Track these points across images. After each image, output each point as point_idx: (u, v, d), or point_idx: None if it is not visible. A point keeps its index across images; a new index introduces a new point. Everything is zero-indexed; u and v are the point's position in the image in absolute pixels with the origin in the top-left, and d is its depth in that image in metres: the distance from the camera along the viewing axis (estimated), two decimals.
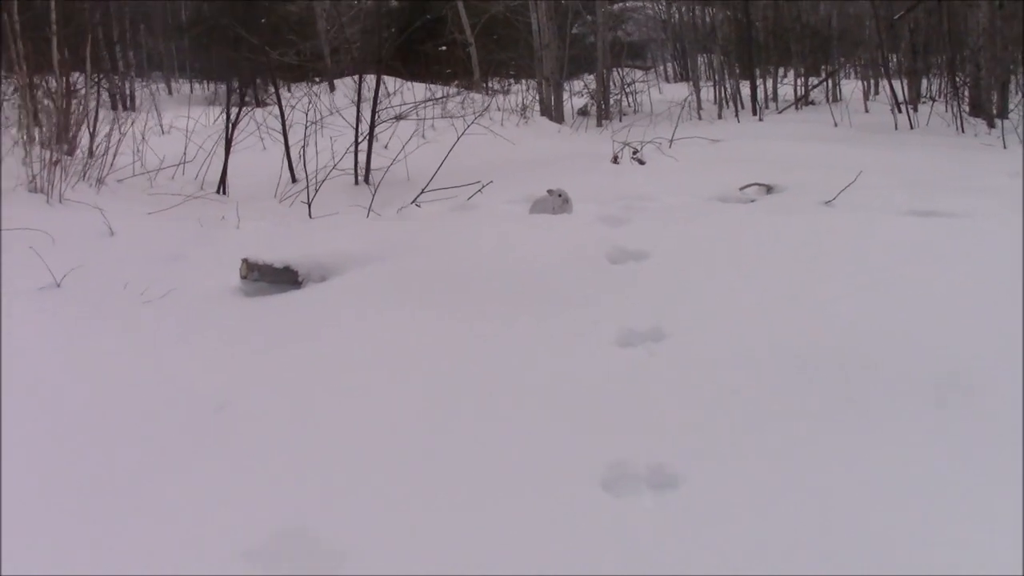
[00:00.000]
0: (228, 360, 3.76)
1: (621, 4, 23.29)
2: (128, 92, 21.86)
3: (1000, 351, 3.23)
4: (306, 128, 8.76)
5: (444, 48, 18.86)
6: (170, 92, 25.40)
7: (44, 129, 7.65)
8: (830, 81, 16.61)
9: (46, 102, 8.16)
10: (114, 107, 18.55)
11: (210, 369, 3.69)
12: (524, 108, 13.61)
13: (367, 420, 3.11)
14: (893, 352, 3.28)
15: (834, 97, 16.12)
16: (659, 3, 23.22)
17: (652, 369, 3.43)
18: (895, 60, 15.85)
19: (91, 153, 8.10)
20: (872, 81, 16.49)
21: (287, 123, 9.16)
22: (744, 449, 2.79)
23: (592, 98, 16.03)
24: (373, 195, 6.99)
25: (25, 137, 7.29)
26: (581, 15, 17.75)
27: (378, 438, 2.97)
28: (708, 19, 17.95)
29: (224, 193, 8.30)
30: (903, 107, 12.76)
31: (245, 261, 4.77)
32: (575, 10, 17.15)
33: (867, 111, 14.06)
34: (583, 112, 15.74)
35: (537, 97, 15.09)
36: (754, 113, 14.88)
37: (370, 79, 9.73)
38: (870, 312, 3.68)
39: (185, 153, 8.92)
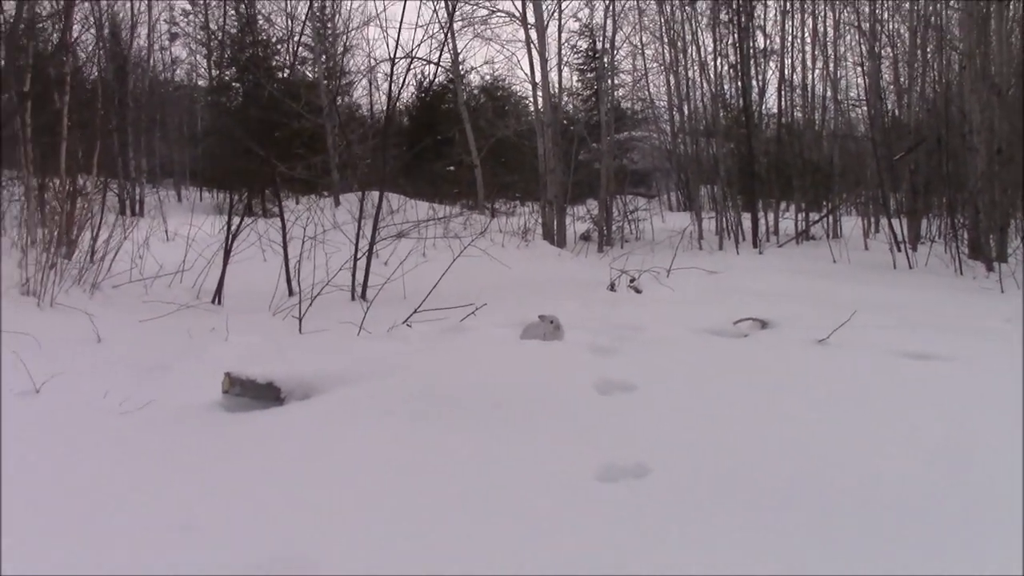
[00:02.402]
0: (197, 477, 3.65)
1: (627, 133, 23.79)
2: (137, 197, 22.20)
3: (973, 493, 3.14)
4: (303, 242, 8.80)
5: (452, 168, 19.20)
6: (180, 199, 25.78)
7: (45, 232, 7.69)
8: (831, 217, 16.80)
9: (53, 204, 8.24)
10: (122, 212, 18.82)
11: (180, 484, 3.58)
12: (526, 231, 13.73)
13: (333, 539, 3.00)
14: (879, 494, 3.19)
15: (834, 233, 16.29)
16: (664, 134, 23.69)
17: (632, 507, 3.32)
18: (896, 199, 16.06)
19: (91, 258, 8.14)
20: (873, 219, 16.68)
21: (288, 235, 9.21)
22: None
23: (594, 223, 16.19)
24: (365, 313, 6.97)
25: (26, 239, 7.33)
26: (587, 142, 18.08)
27: (344, 556, 2.86)
28: (712, 151, 18.26)
29: (219, 303, 8.29)
30: (902, 246, 12.86)
31: (228, 375, 4.71)
32: (581, 136, 17.48)
33: (867, 248, 14.16)
34: (585, 237, 15.87)
35: (540, 220, 15.24)
36: (755, 246, 15.00)
37: (373, 196, 9.84)
38: (854, 452, 3.60)
39: (184, 261, 8.95)
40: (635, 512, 3.26)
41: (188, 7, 28.43)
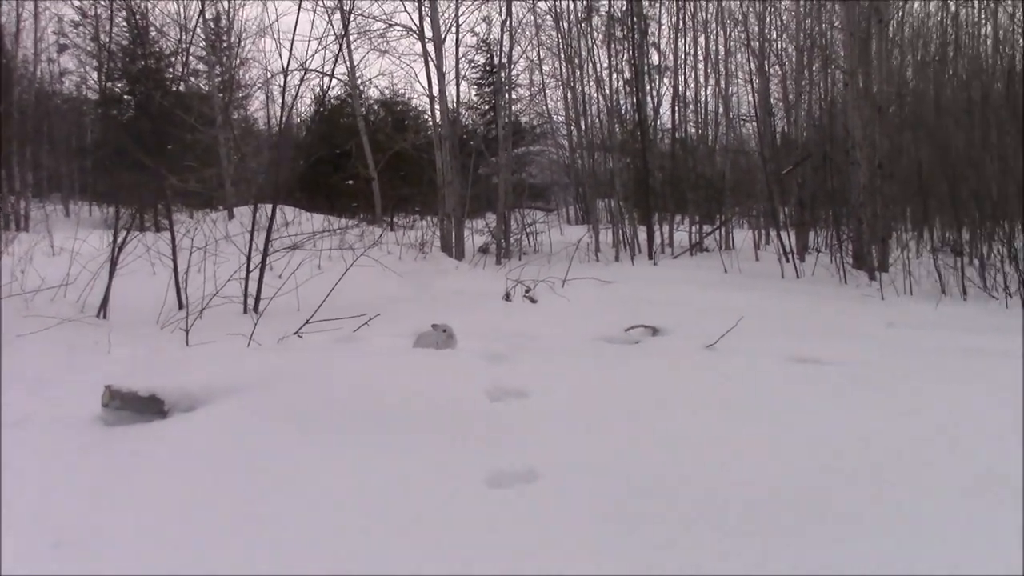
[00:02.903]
0: (70, 493, 3.52)
1: (525, 148, 23.97)
2: (22, 212, 21.43)
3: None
4: (190, 253, 8.61)
5: (350, 181, 19.04)
6: (68, 214, 24.96)
7: None
8: (723, 230, 17.19)
9: None
10: (6, 226, 18.13)
11: (55, 499, 3.45)
12: (423, 243, 13.69)
13: (211, 552, 2.93)
14: (766, 495, 3.25)
15: (727, 245, 16.68)
16: (562, 149, 23.92)
17: (520, 511, 3.31)
18: (784, 212, 16.53)
19: None
20: (763, 231, 17.14)
21: (179, 248, 9.00)
22: None
23: (492, 236, 16.25)
24: (255, 324, 6.85)
25: None
26: (485, 155, 18.14)
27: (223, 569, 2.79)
28: (608, 165, 18.53)
29: (105, 317, 8.04)
30: (790, 257, 13.23)
31: (108, 388, 4.57)
32: (479, 150, 17.54)
33: (757, 259, 14.54)
34: (483, 250, 15.91)
35: (438, 232, 15.22)
36: (650, 257, 15.24)
37: (267, 208, 9.69)
38: (740, 453, 3.67)
39: (68, 275, 8.66)
40: (523, 516, 3.25)
41: (77, 18, 27.61)
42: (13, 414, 4.49)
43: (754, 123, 17.76)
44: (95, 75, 27.93)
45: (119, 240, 8.64)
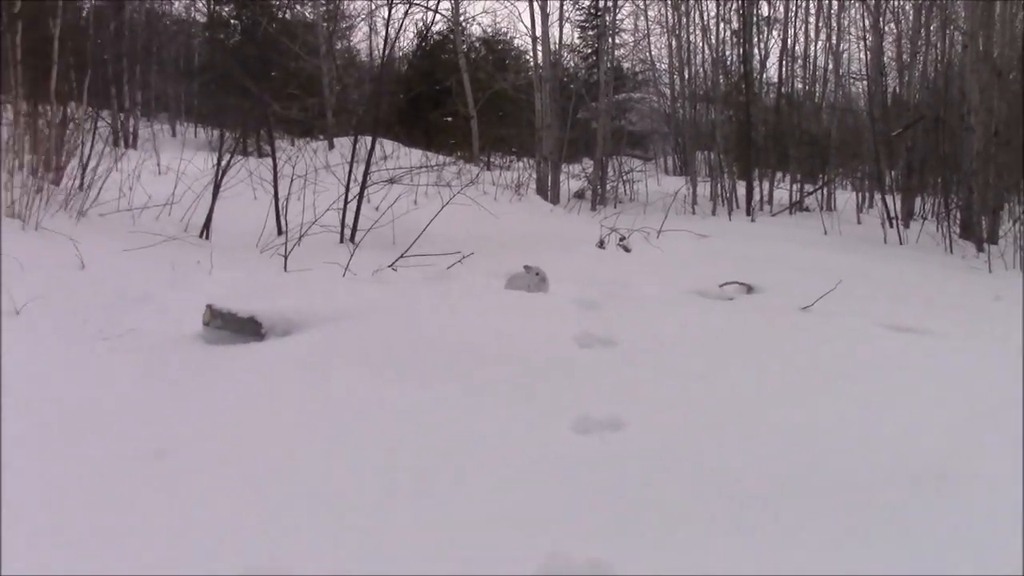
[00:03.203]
0: (173, 406, 3.65)
1: (626, 94, 23.63)
2: (131, 130, 21.99)
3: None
4: (291, 181, 8.73)
5: (449, 119, 19.05)
6: (174, 134, 25.53)
7: (33, 156, 7.61)
8: (825, 190, 16.76)
9: (43, 129, 8.14)
10: (116, 144, 18.64)
11: (153, 413, 3.57)
12: (519, 185, 13.65)
13: (307, 474, 3.02)
14: (839, 456, 3.20)
15: (828, 206, 16.25)
16: (664, 97, 23.53)
17: (606, 458, 3.32)
18: (891, 176, 16.02)
19: (81, 185, 8.06)
20: (867, 194, 16.66)
21: (279, 175, 9.13)
22: (681, 547, 2.68)
23: (589, 182, 16.12)
24: (351, 254, 6.94)
25: (13, 162, 7.23)
26: (585, 100, 17.95)
27: (310, 492, 2.88)
28: (711, 117, 18.15)
29: (207, 238, 8.23)
30: (894, 222, 12.84)
31: (209, 307, 4.69)
32: (579, 94, 17.35)
33: (859, 222, 14.14)
34: (579, 195, 15.80)
35: (534, 175, 15.16)
36: (747, 213, 14.96)
37: (367, 140, 9.76)
38: (825, 418, 3.61)
39: (173, 194, 8.87)
40: (607, 464, 3.26)
41: None
42: (117, 327, 4.64)
43: (865, 82, 17.20)
44: None
45: (223, 163, 8.80)
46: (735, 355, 4.43)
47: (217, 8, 25.43)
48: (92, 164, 8.41)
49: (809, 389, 3.98)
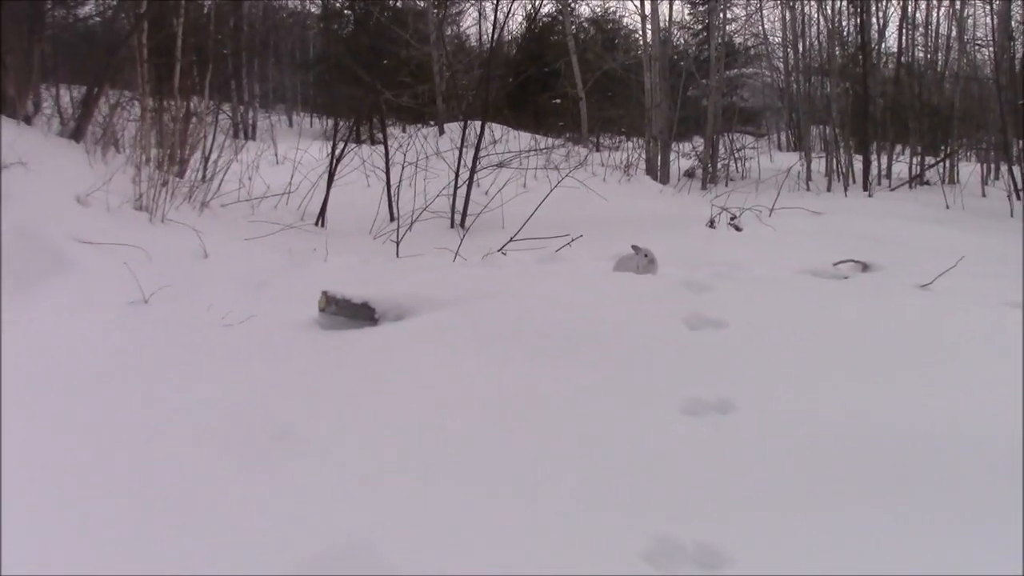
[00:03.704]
0: (294, 388, 3.78)
1: (738, 70, 23.18)
2: (250, 121, 22.67)
3: None
4: (402, 168, 8.89)
5: (558, 100, 19.04)
6: (291, 124, 26.20)
7: (160, 151, 7.94)
8: (947, 162, 16.15)
9: (168, 124, 8.48)
10: (235, 135, 19.26)
11: (276, 396, 3.72)
12: (628, 166, 13.58)
13: (422, 456, 3.10)
14: (958, 447, 3.11)
15: (950, 179, 15.67)
16: (777, 72, 23.02)
17: (715, 441, 3.31)
18: (1019, 146, 15.34)
19: (203, 177, 8.38)
20: (993, 165, 15.99)
21: (391, 162, 9.32)
22: (789, 533, 2.66)
23: (699, 160, 15.93)
24: (461, 239, 7.05)
25: (141, 157, 7.56)
26: (695, 77, 17.70)
27: (421, 471, 2.97)
28: (826, 90, 17.67)
29: (322, 225, 8.47)
30: (1022, 194, 12.31)
31: (324, 294, 4.84)
32: (689, 72, 17.12)
33: (984, 195, 13.61)
34: (689, 174, 15.63)
35: (643, 155, 15.05)
36: (864, 188, 14.54)
37: (476, 125, 9.86)
38: (939, 404, 3.51)
39: (290, 183, 9.14)
40: (717, 447, 3.25)
41: None
42: (239, 313, 4.83)
43: (991, 47, 16.47)
44: None
45: (337, 152, 9.02)
46: (848, 337, 4.33)
47: (331, 0, 25.95)
48: (214, 157, 8.73)
49: (925, 371, 3.87)
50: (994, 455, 3.06)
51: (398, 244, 7.09)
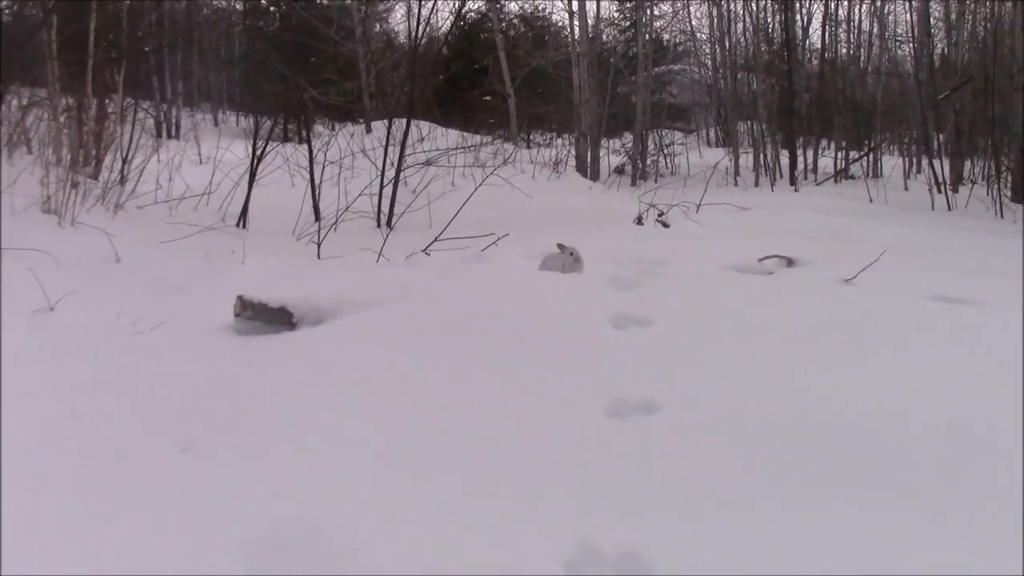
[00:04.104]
0: (200, 400, 3.63)
1: (666, 66, 23.32)
2: (174, 119, 22.20)
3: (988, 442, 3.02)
4: (323, 167, 8.71)
5: (487, 98, 18.96)
6: (216, 123, 25.73)
7: (68, 151, 7.66)
8: (871, 156, 16.42)
9: (81, 124, 8.20)
10: (158, 134, 18.83)
11: (183, 406, 3.56)
12: (557, 163, 13.54)
13: (336, 465, 2.98)
14: (887, 436, 3.09)
15: (874, 173, 15.92)
16: (704, 68, 23.21)
17: (638, 443, 3.24)
18: (939, 140, 15.64)
19: (121, 179, 8.12)
20: (914, 159, 16.29)
21: (316, 162, 9.13)
22: (711, 534, 2.60)
23: (629, 157, 15.96)
24: (385, 239, 6.91)
25: (51, 157, 7.28)
26: (624, 74, 17.75)
27: (339, 475, 2.88)
28: (753, 86, 17.85)
29: (244, 227, 8.26)
30: (942, 187, 12.54)
31: (240, 299, 4.68)
32: (618, 68, 17.16)
33: (907, 189, 13.85)
34: (619, 170, 15.66)
35: (573, 152, 15.03)
36: (791, 183, 14.71)
37: (402, 123, 9.72)
38: (867, 395, 3.49)
39: (211, 183, 8.91)
40: (640, 449, 3.19)
41: None
42: (151, 320, 4.64)
43: (911, 44, 16.77)
44: None
45: (258, 151, 8.82)
46: (771, 333, 4.31)
47: None
48: (130, 156, 8.46)
49: (847, 366, 3.86)
50: (926, 444, 3.04)
51: (319, 245, 6.91)
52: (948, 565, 2.41)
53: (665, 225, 8.66)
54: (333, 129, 16.77)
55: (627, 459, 3.10)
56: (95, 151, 8.35)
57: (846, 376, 3.73)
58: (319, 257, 6.74)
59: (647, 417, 3.45)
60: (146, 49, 20.20)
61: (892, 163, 16.03)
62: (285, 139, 17.03)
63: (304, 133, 12.06)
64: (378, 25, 23.13)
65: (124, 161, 8.50)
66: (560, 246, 5.80)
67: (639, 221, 8.72)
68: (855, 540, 2.54)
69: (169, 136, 20.38)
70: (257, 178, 8.76)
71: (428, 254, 6.69)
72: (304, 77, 13.98)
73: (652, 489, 2.88)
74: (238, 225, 8.25)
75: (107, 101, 9.12)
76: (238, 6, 28.75)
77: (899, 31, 19.12)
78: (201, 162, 12.54)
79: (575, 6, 15.19)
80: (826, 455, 3.02)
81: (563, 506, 2.76)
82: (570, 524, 2.65)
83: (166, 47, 22.79)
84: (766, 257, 6.47)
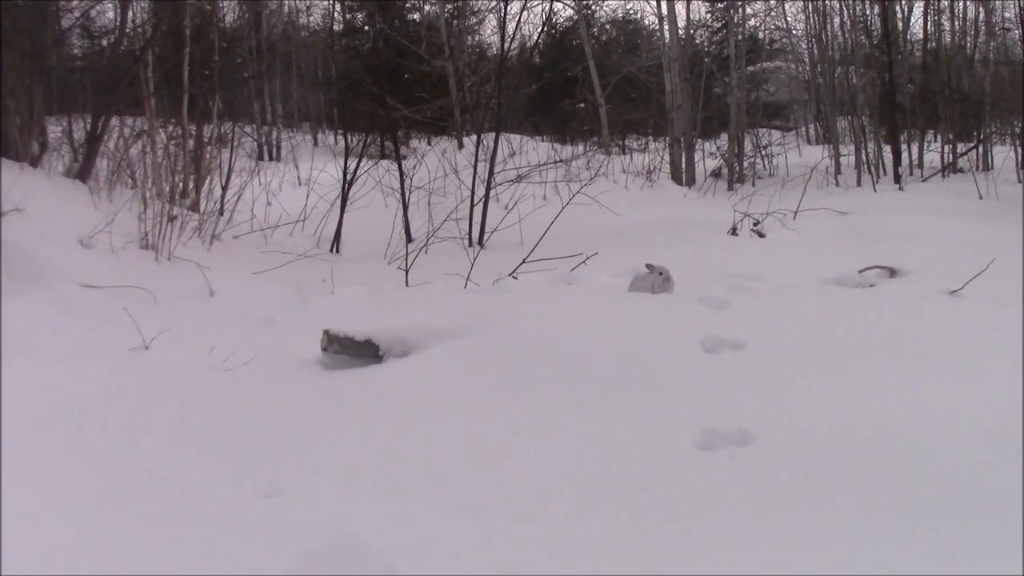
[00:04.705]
0: (288, 440, 3.62)
1: (761, 64, 22.85)
2: (274, 142, 22.68)
3: None
4: (409, 189, 8.72)
5: (581, 105, 18.89)
6: (315, 143, 26.19)
7: (166, 185, 7.84)
8: (980, 148, 15.75)
9: (175, 156, 8.38)
10: (260, 157, 19.27)
11: (268, 448, 3.56)
12: (650, 171, 13.35)
13: (425, 496, 2.98)
14: (997, 468, 2.90)
15: (984, 166, 15.27)
16: (802, 64, 22.66)
17: (730, 478, 3.11)
18: None
19: (220, 209, 8.26)
20: None
21: (408, 183, 9.17)
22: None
23: (724, 160, 15.65)
24: (472, 263, 6.84)
25: (148, 192, 7.44)
26: (716, 76, 17.44)
27: (434, 519, 2.84)
28: (852, 81, 17.31)
29: (337, 251, 8.35)
30: None
31: (326, 333, 4.69)
32: (710, 71, 16.87)
33: (1020, 181, 13.23)
34: (715, 174, 15.36)
35: (666, 158, 14.81)
36: (896, 181, 14.18)
37: (488, 139, 9.70)
38: (982, 426, 3.27)
39: (305, 209, 9.03)
40: (734, 482, 3.05)
41: None
42: (241, 356, 4.69)
43: (1020, 29, 16.07)
44: (339, 6, 28.89)
45: (349, 176, 8.89)
46: (875, 355, 4.10)
47: (351, 16, 25.90)
48: (227, 184, 8.62)
49: (956, 387, 3.64)
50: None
51: (407, 272, 6.89)
52: None
53: (761, 235, 8.43)
54: (428, 144, 16.89)
55: (719, 493, 2.98)
56: (194, 182, 8.53)
57: (950, 399, 3.53)
58: (407, 284, 6.73)
59: (740, 448, 3.32)
60: (245, 75, 20.73)
61: (1003, 154, 15.35)
62: (382, 156, 17.23)
63: (410, 150, 12.13)
64: (470, 38, 23.24)
65: (223, 190, 8.67)
66: (648, 266, 5.67)
67: (733, 231, 8.51)
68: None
69: (270, 158, 20.83)
70: (350, 201, 8.84)
71: (515, 277, 6.63)
72: (395, 96, 14.09)
73: (746, 523, 2.76)
74: (331, 250, 8.34)
75: (205, 130, 9.29)
76: (335, 27, 29.24)
77: (1007, 15, 18.32)
78: (300, 183, 12.75)
79: (664, 9, 15.00)
80: (936, 488, 2.84)
81: (653, 544, 2.67)
82: (661, 563, 2.56)
83: (264, 72, 23.30)
84: (867, 268, 6.22)
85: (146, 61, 8.33)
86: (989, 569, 2.41)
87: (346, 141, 10.29)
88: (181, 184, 8.23)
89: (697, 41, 20.51)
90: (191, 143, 8.74)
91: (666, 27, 15.16)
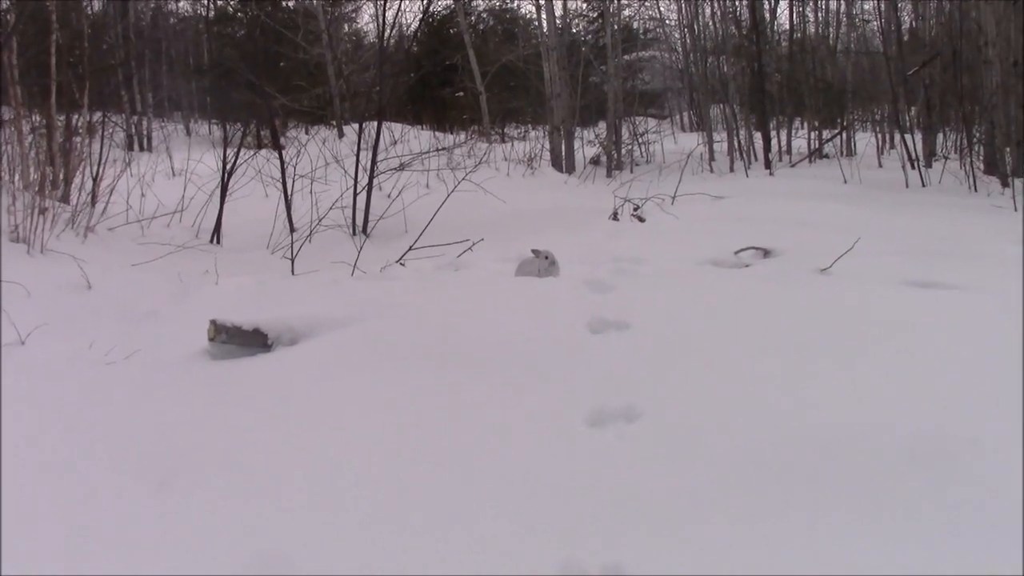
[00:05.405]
0: (177, 431, 3.57)
1: (636, 54, 23.30)
2: (145, 132, 22.00)
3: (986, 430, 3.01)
4: (292, 181, 8.63)
5: (460, 94, 18.91)
6: (188, 133, 25.52)
7: (35, 175, 7.54)
8: (844, 135, 16.46)
9: (43, 145, 8.06)
10: (130, 147, 18.65)
11: (156, 440, 3.50)
12: (531, 159, 13.49)
13: (310, 478, 3.00)
14: (877, 436, 3.07)
15: (847, 151, 15.97)
16: (675, 53, 23.21)
17: (618, 453, 3.22)
18: (910, 115, 15.69)
19: (92, 200, 8.00)
20: (887, 136, 16.33)
21: (288, 171, 9.05)
22: (691, 545, 2.58)
23: (603, 148, 15.93)
24: (359, 251, 6.84)
25: (17, 182, 7.16)
26: (594, 65, 17.71)
27: (314, 494, 2.85)
28: (723, 70, 17.82)
29: (218, 243, 8.19)
30: (915, 163, 12.58)
31: (213, 323, 4.62)
32: (587, 60, 17.11)
33: (880, 166, 13.90)
34: (594, 161, 15.62)
35: (547, 146, 14.99)
36: (766, 166, 14.71)
37: (373, 127, 9.65)
38: (855, 394, 3.47)
39: (183, 199, 8.83)
40: (622, 458, 3.16)
41: None
42: (124, 349, 4.59)
43: (879, 20, 16.82)
44: None
45: (228, 166, 8.73)
46: (749, 331, 4.29)
47: (222, 2, 25.29)
48: (99, 175, 8.35)
49: (833, 364, 3.83)
50: (927, 447, 3.01)
51: (292, 261, 6.83)
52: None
53: (641, 220, 8.64)
54: (307, 133, 16.65)
55: (608, 470, 3.07)
56: (63, 172, 8.23)
57: (824, 377, 3.71)
58: (293, 273, 6.67)
59: (628, 425, 3.42)
60: (112, 63, 20.04)
61: (865, 141, 16.08)
62: (259, 146, 16.93)
63: (287, 137, 11.95)
64: (346, 26, 22.99)
65: (94, 181, 8.38)
66: (534, 251, 5.77)
67: (615, 217, 8.70)
68: (846, 546, 2.52)
69: (141, 149, 20.20)
70: (230, 191, 8.68)
71: (403, 264, 6.64)
72: (272, 84, 13.86)
73: (636, 500, 2.86)
74: (212, 241, 8.17)
75: (74, 119, 8.98)
76: (204, 13, 28.49)
77: (866, 7, 19.18)
78: (174, 175, 12.41)
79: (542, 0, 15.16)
80: (820, 464, 2.97)
81: (544, 523, 2.74)
82: (553, 541, 2.63)
83: (133, 60, 22.56)
84: (742, 249, 6.46)
85: (11, 47, 7.97)
86: (856, 531, 2.55)
87: (224, 131, 10.07)
88: (52, 174, 7.93)
89: (574, 31, 20.76)
90: (59, 133, 8.42)
91: (543, 16, 15.34)
